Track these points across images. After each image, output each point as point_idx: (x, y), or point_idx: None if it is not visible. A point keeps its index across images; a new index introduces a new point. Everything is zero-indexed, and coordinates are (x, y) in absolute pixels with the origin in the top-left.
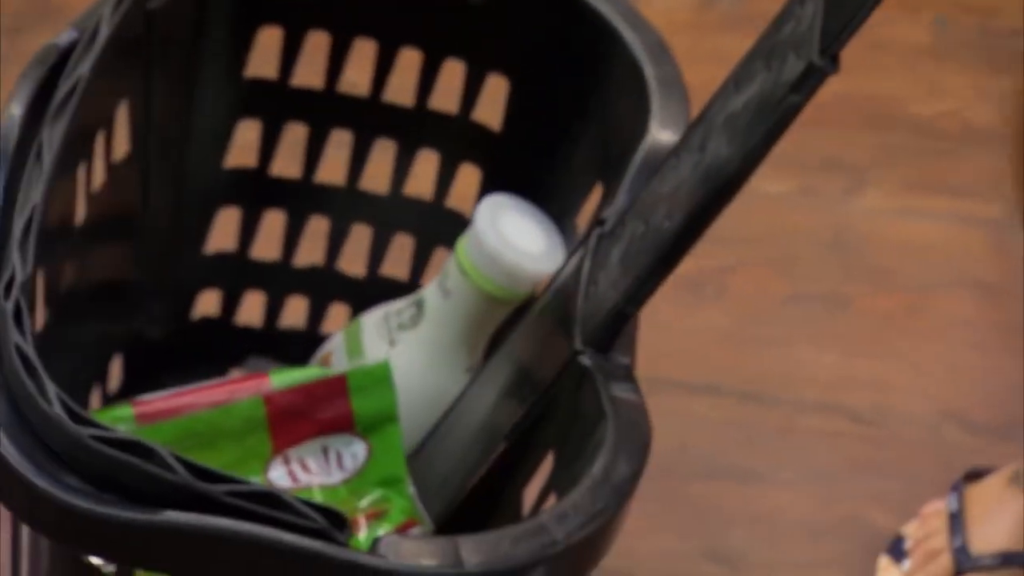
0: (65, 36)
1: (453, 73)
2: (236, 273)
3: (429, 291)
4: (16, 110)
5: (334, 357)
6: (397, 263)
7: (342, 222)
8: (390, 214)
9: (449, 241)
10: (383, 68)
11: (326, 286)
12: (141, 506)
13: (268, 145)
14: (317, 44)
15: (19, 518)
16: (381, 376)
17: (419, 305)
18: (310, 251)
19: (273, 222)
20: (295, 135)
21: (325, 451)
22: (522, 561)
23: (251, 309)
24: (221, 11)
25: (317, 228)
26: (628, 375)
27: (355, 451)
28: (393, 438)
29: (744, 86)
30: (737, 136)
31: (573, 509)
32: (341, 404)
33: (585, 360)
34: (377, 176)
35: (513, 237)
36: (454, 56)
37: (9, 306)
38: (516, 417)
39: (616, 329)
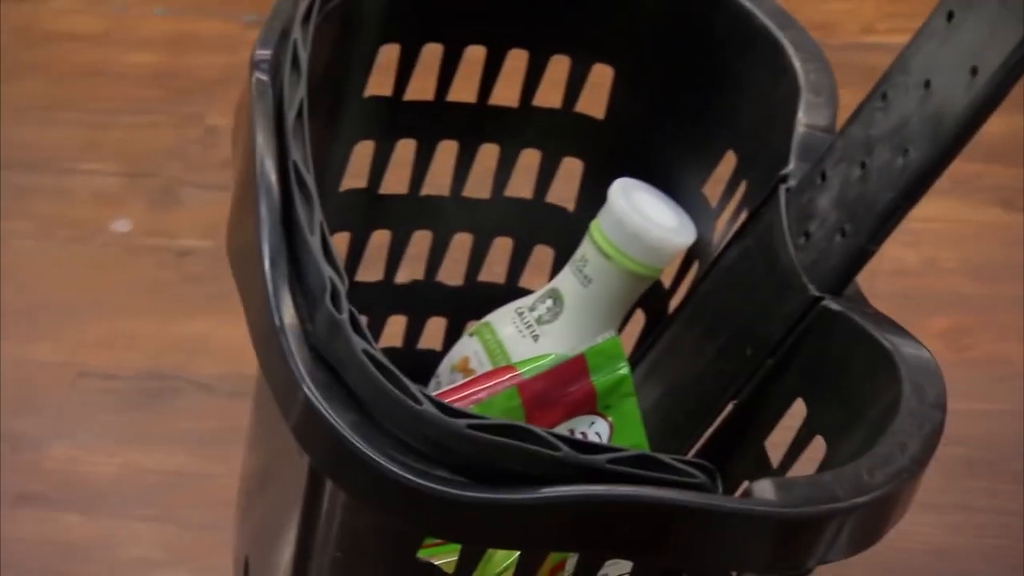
0: (259, 59)
1: (555, 68)
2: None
3: (563, 281)
4: (262, 141)
5: (472, 362)
6: (492, 267)
7: (445, 233)
8: (491, 218)
9: (549, 237)
10: (490, 73)
11: (425, 300)
12: (534, 486)
13: (379, 164)
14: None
15: (395, 519)
16: (615, 352)
17: (554, 298)
18: (410, 267)
19: (377, 241)
20: (401, 151)
21: (571, 433)
22: (888, 489)
23: None
24: (366, 32)
25: (419, 242)
26: (874, 309)
27: (598, 430)
28: (632, 411)
29: (963, 20)
30: (989, 63)
31: (907, 436)
32: (584, 384)
33: (833, 305)
34: (478, 181)
35: (652, 214)
36: (560, 52)
37: (344, 316)
38: (744, 375)
39: (855, 270)
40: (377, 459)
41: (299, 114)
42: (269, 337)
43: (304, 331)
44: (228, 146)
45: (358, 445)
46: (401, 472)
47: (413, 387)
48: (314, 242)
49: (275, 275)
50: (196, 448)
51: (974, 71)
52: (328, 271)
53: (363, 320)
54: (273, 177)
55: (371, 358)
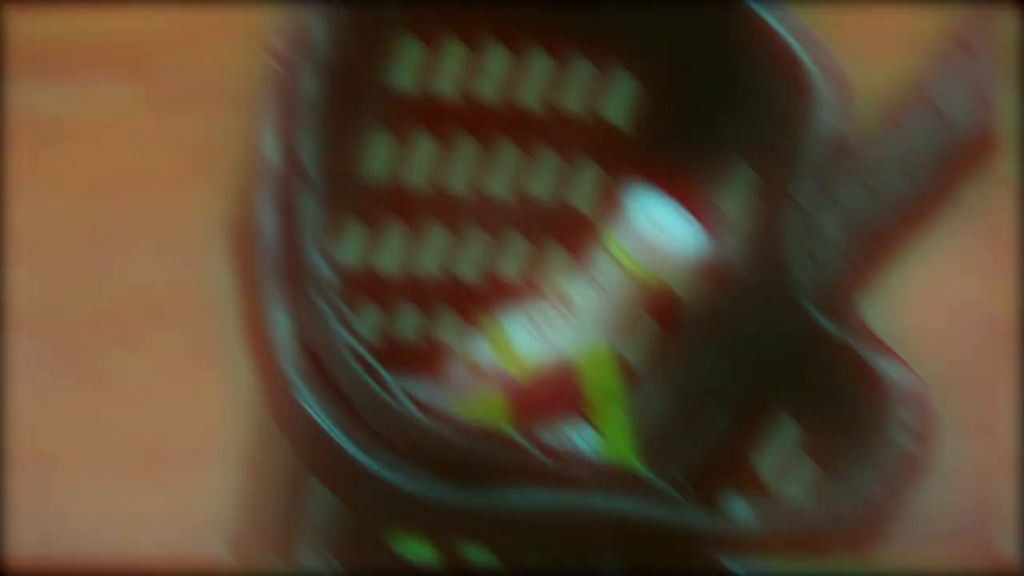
0: (277, 52)
1: (579, 73)
2: (355, 287)
3: (575, 286)
4: (269, 130)
5: (480, 358)
6: (509, 265)
7: (463, 228)
8: (509, 217)
9: (566, 240)
10: (512, 73)
11: (441, 293)
12: (501, 490)
13: (399, 156)
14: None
15: (368, 517)
16: (606, 361)
17: (565, 301)
18: (427, 260)
19: (395, 232)
20: (422, 145)
21: (557, 437)
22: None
23: (365, 323)
24: (388, 24)
25: (436, 235)
26: (872, 335)
27: (584, 436)
28: (620, 420)
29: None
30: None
31: (886, 467)
32: (572, 390)
33: (830, 327)
34: (497, 179)
35: (665, 225)
36: (583, 57)
37: (330, 308)
38: (740, 391)
39: (855, 294)
40: (349, 448)
41: (310, 104)
42: (258, 324)
43: (294, 321)
44: None
45: (332, 434)
46: (370, 464)
47: (392, 383)
48: (310, 233)
49: (270, 263)
50: None
51: (982, 103)
52: (319, 263)
53: (351, 312)
54: (278, 166)
55: (353, 352)
